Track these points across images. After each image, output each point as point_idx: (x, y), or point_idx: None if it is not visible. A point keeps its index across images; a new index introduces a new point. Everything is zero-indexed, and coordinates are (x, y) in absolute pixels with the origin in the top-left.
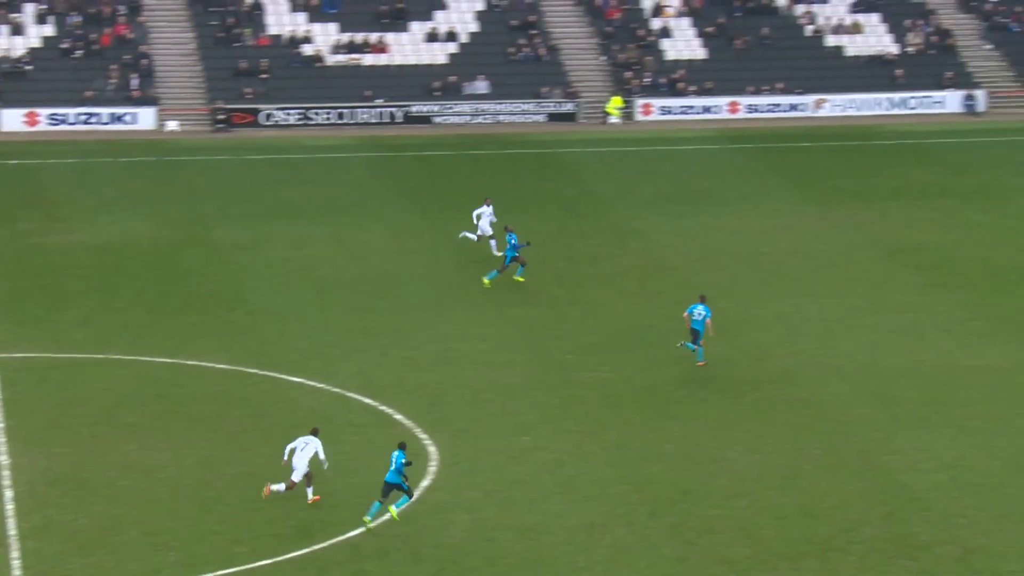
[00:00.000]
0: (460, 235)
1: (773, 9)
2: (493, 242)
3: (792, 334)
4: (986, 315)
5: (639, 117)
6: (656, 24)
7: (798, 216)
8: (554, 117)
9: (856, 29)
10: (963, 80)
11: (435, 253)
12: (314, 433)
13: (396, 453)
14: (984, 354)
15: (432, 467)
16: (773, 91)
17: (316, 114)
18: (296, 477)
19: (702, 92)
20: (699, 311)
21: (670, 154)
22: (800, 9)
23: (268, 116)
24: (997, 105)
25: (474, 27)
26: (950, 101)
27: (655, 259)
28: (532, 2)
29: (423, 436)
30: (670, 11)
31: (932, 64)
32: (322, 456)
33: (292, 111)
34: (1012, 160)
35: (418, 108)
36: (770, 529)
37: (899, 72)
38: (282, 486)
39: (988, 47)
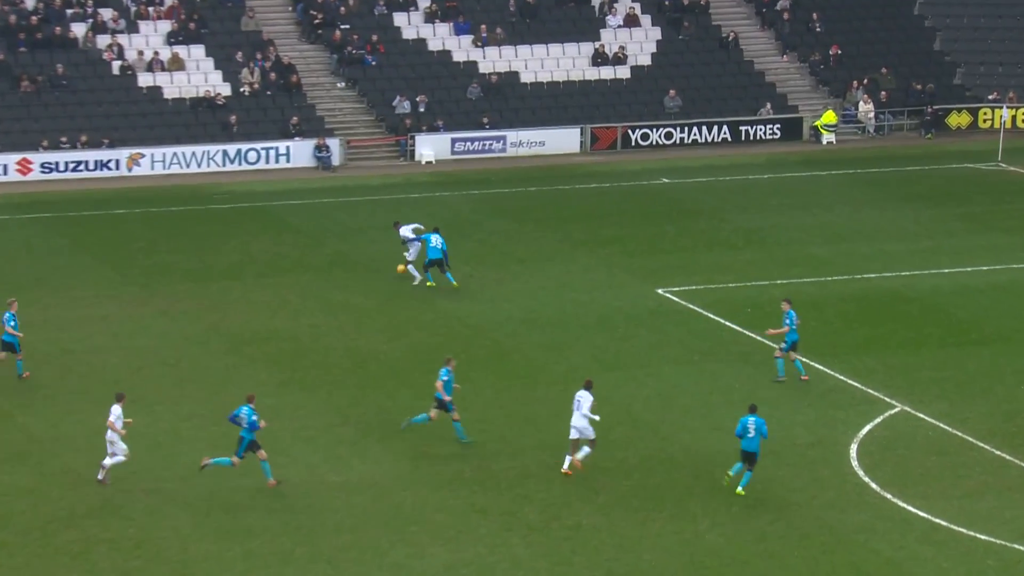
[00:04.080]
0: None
1: (69, 41)
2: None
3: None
4: (355, 418)
5: None
6: None
7: (115, 303)
8: None
9: (176, 65)
10: (313, 127)
11: None
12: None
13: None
14: (354, 467)
15: None
16: (74, 145)
17: None
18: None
19: None
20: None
21: None
22: (104, 41)
23: None
24: (355, 156)
25: None
26: (298, 153)
27: None
28: None
29: None
30: None
31: (274, 108)
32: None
33: None
34: (375, 224)
35: None
36: None
37: (233, 118)
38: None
39: (341, 85)
